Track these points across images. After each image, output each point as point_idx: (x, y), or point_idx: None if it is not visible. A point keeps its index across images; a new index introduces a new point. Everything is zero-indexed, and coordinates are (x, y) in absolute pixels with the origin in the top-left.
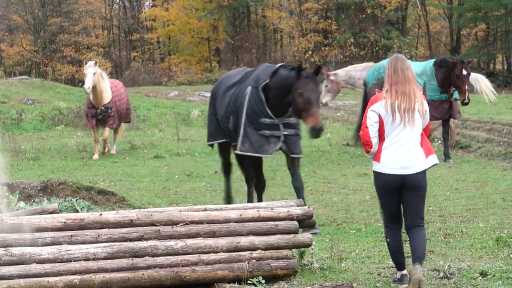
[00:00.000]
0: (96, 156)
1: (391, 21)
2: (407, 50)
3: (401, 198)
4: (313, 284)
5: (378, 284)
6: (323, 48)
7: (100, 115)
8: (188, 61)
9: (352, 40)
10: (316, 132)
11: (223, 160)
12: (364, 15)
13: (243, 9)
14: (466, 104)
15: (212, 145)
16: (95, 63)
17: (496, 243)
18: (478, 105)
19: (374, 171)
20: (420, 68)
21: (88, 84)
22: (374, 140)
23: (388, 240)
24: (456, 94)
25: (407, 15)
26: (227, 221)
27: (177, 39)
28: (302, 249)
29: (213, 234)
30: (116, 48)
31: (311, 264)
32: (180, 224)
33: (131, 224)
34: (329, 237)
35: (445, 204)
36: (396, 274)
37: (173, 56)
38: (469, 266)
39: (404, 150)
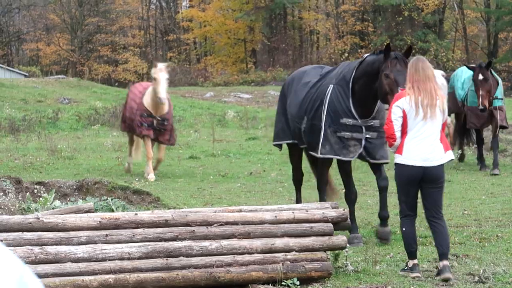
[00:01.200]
0: (152, 176)
1: (428, 24)
2: (444, 53)
3: (420, 190)
4: (347, 287)
5: (412, 287)
6: (359, 50)
7: (157, 127)
8: (224, 62)
9: (388, 42)
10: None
11: (293, 167)
12: (401, 18)
13: (279, 10)
14: (482, 111)
15: (279, 147)
16: (167, 66)
17: None
18: None
19: (396, 163)
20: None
21: (164, 94)
22: (398, 134)
23: (404, 229)
24: (496, 102)
25: (444, 18)
26: (262, 222)
27: (214, 40)
28: (337, 251)
29: (247, 235)
30: (152, 48)
31: (346, 266)
32: (215, 225)
33: (166, 224)
34: (364, 239)
35: (481, 208)
36: (408, 262)
37: (209, 57)
38: (504, 270)
39: (426, 144)
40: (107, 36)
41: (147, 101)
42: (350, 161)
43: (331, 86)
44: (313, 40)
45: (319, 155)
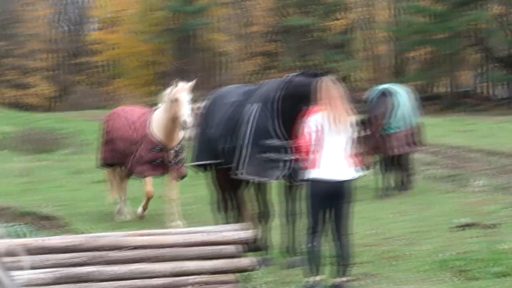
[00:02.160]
0: (141, 212)
1: (337, 44)
2: (353, 73)
3: (331, 205)
4: None
5: None
6: (268, 71)
7: (170, 161)
8: (133, 84)
9: (297, 63)
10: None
11: (217, 192)
12: (310, 38)
13: (188, 32)
14: None
15: (200, 167)
16: (189, 86)
17: (441, 266)
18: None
19: (310, 178)
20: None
21: (190, 118)
22: (312, 148)
23: (310, 245)
24: (388, 129)
25: (352, 38)
26: (172, 245)
27: (123, 62)
28: (248, 273)
29: (158, 259)
30: (61, 71)
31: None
32: (126, 249)
33: (76, 249)
34: (274, 260)
35: (390, 227)
36: (310, 278)
37: (118, 79)
38: None
39: (339, 158)
40: (15, 60)
41: (158, 130)
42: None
43: (255, 106)
44: (222, 61)
45: (240, 176)
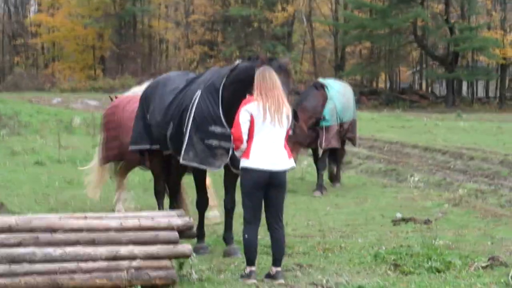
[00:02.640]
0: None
1: (277, 36)
2: (292, 65)
3: (265, 196)
4: None
5: None
6: (208, 60)
7: None
8: (72, 68)
9: (237, 53)
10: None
11: (155, 176)
12: (250, 29)
13: (129, 18)
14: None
15: (137, 152)
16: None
17: (374, 259)
18: (360, 122)
19: (242, 168)
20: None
21: None
22: (245, 137)
23: (246, 236)
24: (322, 122)
25: (293, 31)
26: (107, 229)
27: (62, 45)
28: (182, 259)
29: (92, 242)
30: None
31: (190, 275)
32: (60, 232)
33: (9, 229)
34: (210, 248)
35: (325, 219)
36: (246, 269)
37: (57, 62)
38: (346, 281)
39: (273, 148)
40: None
41: None
42: (206, 170)
43: (198, 92)
44: (162, 48)
45: (182, 161)
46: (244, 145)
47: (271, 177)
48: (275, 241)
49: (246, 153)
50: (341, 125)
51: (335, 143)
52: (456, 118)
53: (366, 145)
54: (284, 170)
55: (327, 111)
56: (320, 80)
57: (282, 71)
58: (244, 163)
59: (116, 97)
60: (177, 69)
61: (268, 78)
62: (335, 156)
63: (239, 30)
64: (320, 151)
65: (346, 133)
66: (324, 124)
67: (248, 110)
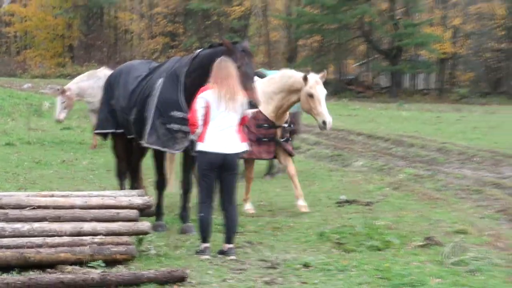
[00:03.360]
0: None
1: (234, 28)
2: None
3: (218, 177)
4: (149, 269)
5: (209, 271)
6: (170, 50)
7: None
8: (43, 55)
9: (197, 44)
10: (254, 106)
11: (118, 158)
12: (209, 21)
13: (97, 9)
14: None
15: (103, 136)
16: (322, 76)
17: (320, 238)
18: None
19: (198, 150)
20: None
21: (328, 116)
22: (200, 122)
23: (201, 214)
24: None
25: (249, 24)
26: (72, 207)
27: (33, 34)
28: (141, 236)
29: (58, 219)
30: None
31: (149, 250)
32: (28, 208)
33: None
34: (168, 226)
35: (275, 200)
36: (201, 245)
37: (29, 50)
38: (293, 258)
39: (226, 133)
40: None
41: (267, 107)
42: (165, 152)
43: (161, 80)
44: (127, 38)
45: (145, 144)
46: (199, 130)
47: (224, 159)
48: (228, 220)
49: (201, 137)
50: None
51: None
52: (399, 108)
53: (314, 132)
54: (236, 153)
55: None
56: (262, 70)
57: (246, 53)
58: (199, 146)
59: (64, 88)
60: (141, 58)
61: (223, 67)
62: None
63: (199, 23)
64: None
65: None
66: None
67: (204, 97)
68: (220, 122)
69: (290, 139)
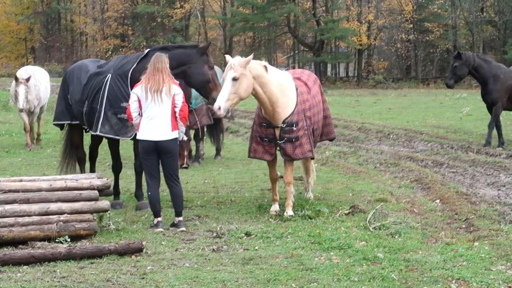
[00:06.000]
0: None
1: (177, 28)
2: None
3: (158, 160)
4: (110, 242)
5: (163, 242)
6: (121, 50)
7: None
8: (8, 57)
9: (144, 43)
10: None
11: (76, 146)
12: (155, 23)
13: (54, 15)
14: None
15: (59, 126)
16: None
17: (259, 209)
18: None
19: (137, 139)
20: None
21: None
22: (134, 114)
23: (149, 193)
24: (191, 106)
25: (189, 24)
26: (39, 190)
27: None
28: (101, 213)
29: (27, 201)
30: None
31: (109, 226)
32: None
33: None
34: (124, 204)
35: (218, 178)
36: (154, 220)
37: None
38: (236, 228)
39: (155, 122)
40: None
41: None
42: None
43: (109, 76)
44: (82, 40)
45: (98, 133)
46: (136, 121)
47: (156, 145)
48: (173, 196)
49: (138, 127)
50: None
51: (206, 121)
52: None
53: (251, 117)
54: (167, 140)
55: (193, 95)
56: None
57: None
58: (137, 135)
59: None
60: (95, 57)
61: (155, 62)
62: (215, 131)
63: (146, 24)
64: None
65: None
66: (192, 107)
67: (135, 92)
68: (149, 112)
69: (293, 139)
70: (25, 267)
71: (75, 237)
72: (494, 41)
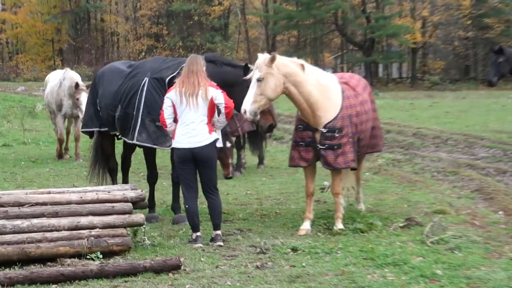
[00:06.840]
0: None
1: (215, 27)
2: (229, 53)
3: (195, 170)
4: (145, 259)
5: (202, 259)
6: (155, 50)
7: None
8: (34, 59)
9: (180, 43)
10: (271, 128)
11: (108, 156)
12: (191, 22)
13: (83, 14)
14: None
15: (88, 134)
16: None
17: None
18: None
19: (173, 148)
20: None
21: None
22: (169, 121)
23: (186, 206)
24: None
25: (229, 23)
26: (68, 202)
27: (24, 40)
28: (136, 227)
29: (56, 214)
30: None
31: (144, 241)
32: (26, 205)
33: None
34: (160, 217)
35: (261, 188)
36: (192, 235)
37: (21, 55)
38: (282, 242)
39: (191, 128)
40: None
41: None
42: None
43: (146, 79)
44: (113, 41)
45: (135, 142)
46: (170, 128)
47: (192, 153)
48: (211, 208)
49: (173, 135)
50: None
51: (248, 127)
52: (374, 97)
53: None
54: (203, 146)
55: None
56: None
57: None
58: (172, 143)
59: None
60: (127, 59)
61: (189, 64)
62: (253, 140)
63: (182, 23)
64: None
65: None
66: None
67: (169, 97)
68: (184, 118)
69: (335, 146)
70: (54, 286)
71: (108, 254)
72: None
